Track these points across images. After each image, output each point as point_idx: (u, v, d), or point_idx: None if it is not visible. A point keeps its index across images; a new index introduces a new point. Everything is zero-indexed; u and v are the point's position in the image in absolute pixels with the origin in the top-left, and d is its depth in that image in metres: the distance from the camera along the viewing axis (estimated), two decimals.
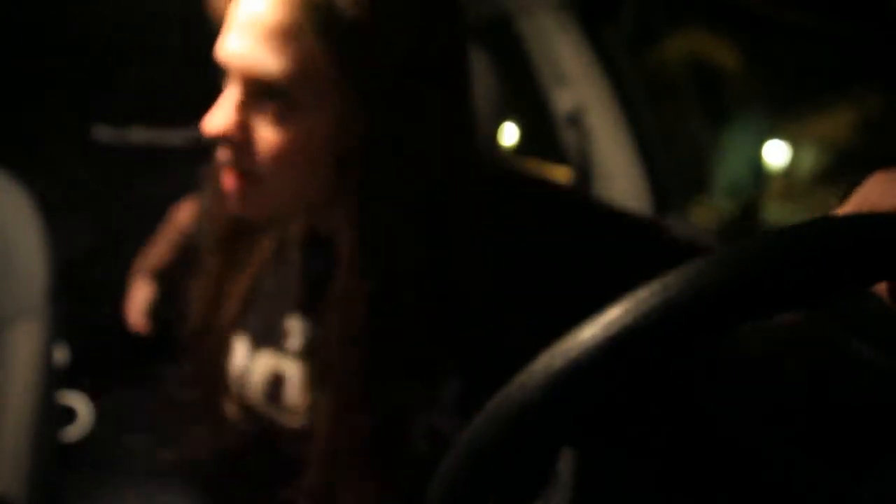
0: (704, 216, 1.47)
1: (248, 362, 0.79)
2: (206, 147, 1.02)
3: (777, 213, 1.51)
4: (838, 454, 0.38)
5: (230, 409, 0.81)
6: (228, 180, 0.70)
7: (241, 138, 0.67)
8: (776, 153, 1.51)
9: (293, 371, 0.76)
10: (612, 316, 0.32)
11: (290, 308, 0.78)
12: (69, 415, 1.36)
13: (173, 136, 1.43)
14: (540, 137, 1.45)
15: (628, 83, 1.29)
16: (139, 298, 1.20)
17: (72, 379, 1.34)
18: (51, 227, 1.10)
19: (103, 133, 1.36)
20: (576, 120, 1.23)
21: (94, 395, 1.42)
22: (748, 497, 0.38)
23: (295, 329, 0.77)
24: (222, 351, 0.79)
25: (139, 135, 1.39)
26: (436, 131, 0.69)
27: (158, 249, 1.20)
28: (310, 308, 0.76)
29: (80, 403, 1.36)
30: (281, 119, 0.66)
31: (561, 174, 1.28)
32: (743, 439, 0.38)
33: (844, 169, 1.44)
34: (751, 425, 0.39)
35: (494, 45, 1.15)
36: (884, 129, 1.30)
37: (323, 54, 0.64)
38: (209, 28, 1.25)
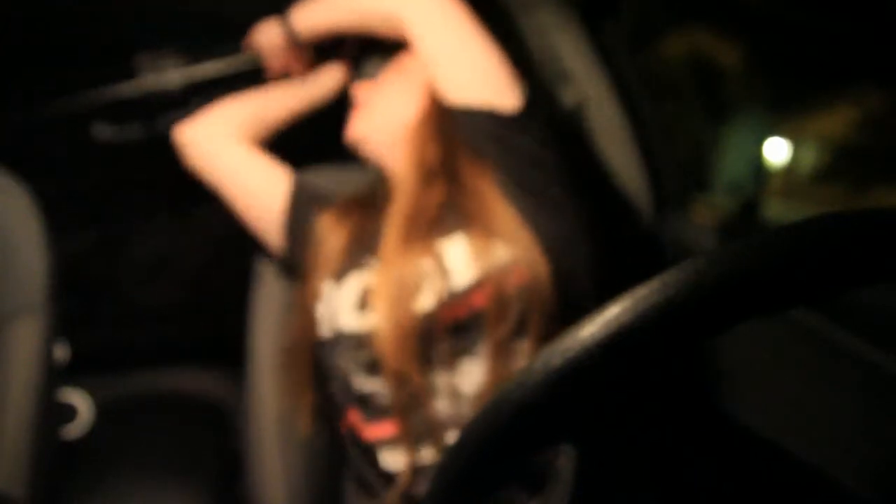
0: (704, 214, 1.47)
1: (334, 292, 0.99)
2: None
3: (777, 211, 1.51)
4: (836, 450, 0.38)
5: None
6: (353, 111, 1.12)
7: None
8: (776, 151, 1.51)
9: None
10: (611, 314, 0.32)
11: (372, 249, 1.00)
12: (70, 412, 1.35)
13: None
14: None
15: (629, 81, 1.29)
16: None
17: (72, 376, 1.34)
18: (51, 224, 1.10)
19: (103, 131, 1.36)
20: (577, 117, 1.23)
21: (95, 393, 1.42)
22: (747, 496, 0.38)
23: (373, 262, 1.00)
24: (315, 295, 1.02)
25: (139, 133, 1.39)
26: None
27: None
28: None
29: (80, 400, 1.36)
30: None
31: None
32: (742, 438, 0.38)
33: (845, 166, 1.43)
34: (749, 423, 0.39)
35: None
36: (884, 126, 1.30)
37: None
38: (209, 28, 1.25)
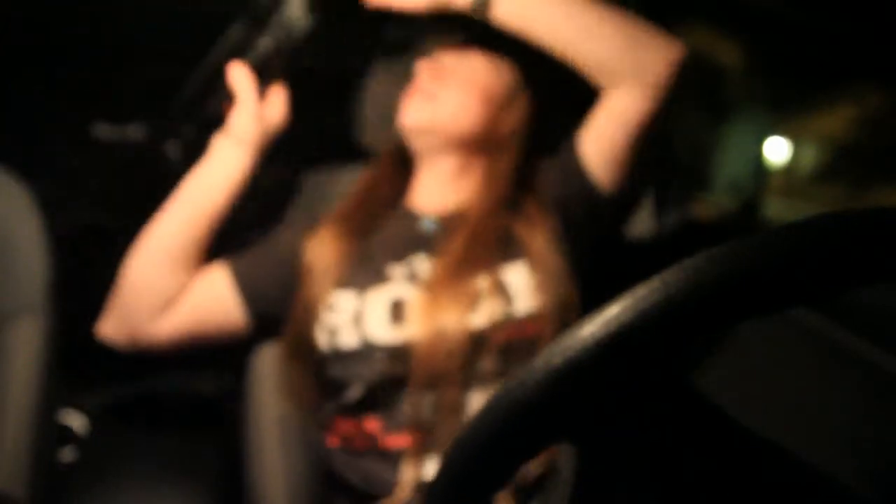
0: (705, 212, 1.47)
1: (361, 304, 0.99)
2: (204, 144, 1.07)
3: (777, 210, 1.51)
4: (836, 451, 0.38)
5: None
6: (413, 93, 1.03)
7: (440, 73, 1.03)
8: (777, 150, 1.51)
9: (410, 295, 0.98)
10: (611, 313, 0.32)
11: (390, 258, 1.02)
12: (66, 434, 1.32)
13: (173, 134, 1.42)
14: None
15: None
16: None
17: (72, 377, 1.34)
18: (51, 224, 1.10)
19: (103, 130, 1.36)
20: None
21: (95, 393, 1.42)
22: (747, 496, 0.38)
23: (396, 272, 1.01)
24: (321, 303, 1.00)
25: (139, 132, 1.39)
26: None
27: None
28: (407, 257, 1.02)
29: (76, 422, 1.34)
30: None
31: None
32: (742, 437, 0.38)
33: (845, 166, 1.43)
34: (749, 423, 0.39)
35: (494, 41, 1.14)
36: (884, 125, 1.30)
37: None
38: (210, 27, 1.25)
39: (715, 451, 0.38)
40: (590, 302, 1.05)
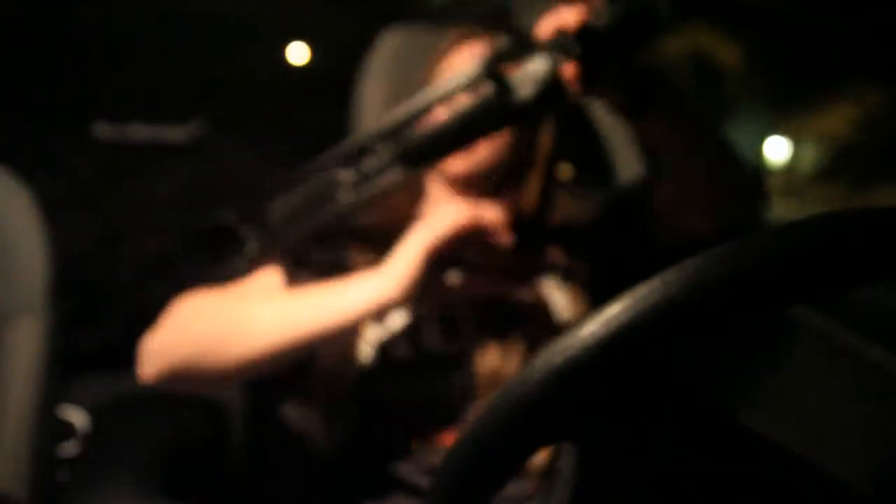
0: None
1: (411, 317, 0.99)
2: (205, 144, 1.07)
3: (778, 209, 1.51)
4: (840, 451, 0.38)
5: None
6: None
7: None
8: (777, 149, 1.51)
9: (457, 308, 0.99)
10: (612, 312, 0.32)
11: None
12: (67, 430, 1.33)
13: (173, 134, 1.43)
14: None
15: None
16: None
17: (71, 377, 1.34)
18: (51, 223, 1.11)
19: (103, 130, 1.36)
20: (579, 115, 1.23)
21: (94, 393, 1.43)
22: (748, 496, 0.38)
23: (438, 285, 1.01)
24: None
25: (139, 132, 1.39)
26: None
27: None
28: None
29: (77, 418, 1.35)
30: None
31: (564, 170, 1.28)
32: (742, 437, 0.38)
33: (845, 165, 1.43)
34: (749, 423, 0.38)
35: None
36: (884, 125, 1.30)
37: None
38: (209, 26, 1.25)
39: (715, 451, 0.38)
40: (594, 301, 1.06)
